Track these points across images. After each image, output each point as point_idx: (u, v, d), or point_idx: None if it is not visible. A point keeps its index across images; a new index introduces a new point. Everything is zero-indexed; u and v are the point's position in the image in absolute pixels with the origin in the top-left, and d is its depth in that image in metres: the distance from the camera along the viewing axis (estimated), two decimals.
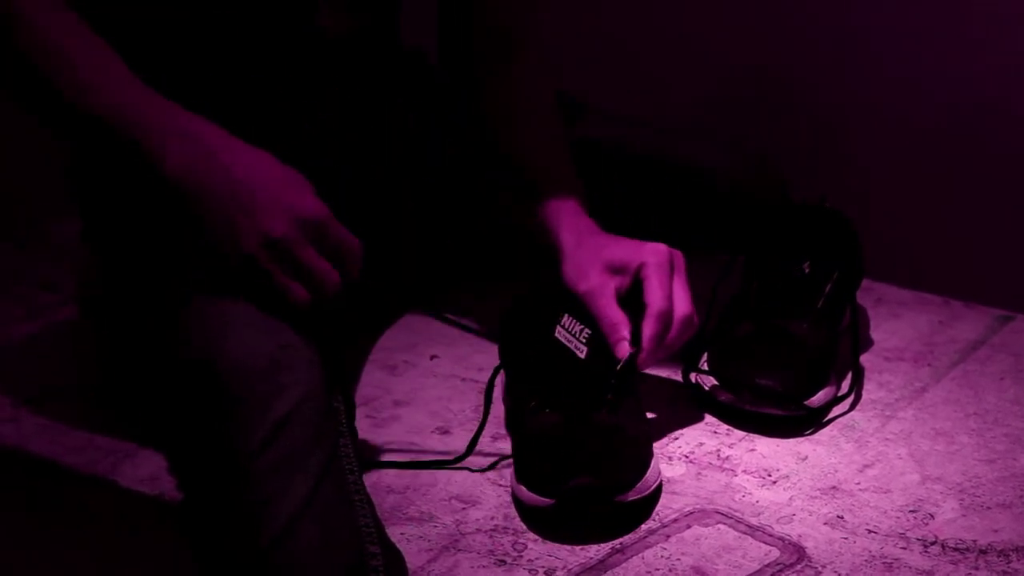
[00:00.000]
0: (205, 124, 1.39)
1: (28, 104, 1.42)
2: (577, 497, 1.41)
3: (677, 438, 1.58)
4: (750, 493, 1.49)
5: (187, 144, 1.36)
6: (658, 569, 1.38)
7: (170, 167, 1.36)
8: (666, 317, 1.49)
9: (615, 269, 1.52)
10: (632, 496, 1.42)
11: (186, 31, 1.49)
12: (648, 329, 1.48)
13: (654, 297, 1.49)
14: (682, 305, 1.51)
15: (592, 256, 1.53)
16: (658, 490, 1.47)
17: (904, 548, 1.42)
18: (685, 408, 1.63)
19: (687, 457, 1.54)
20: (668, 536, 1.43)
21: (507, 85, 1.67)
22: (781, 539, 1.42)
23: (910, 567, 1.39)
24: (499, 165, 1.66)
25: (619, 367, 1.48)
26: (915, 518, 1.46)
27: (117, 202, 1.52)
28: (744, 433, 1.58)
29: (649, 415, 1.58)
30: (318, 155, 1.60)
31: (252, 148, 1.39)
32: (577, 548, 1.40)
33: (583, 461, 1.42)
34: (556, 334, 1.52)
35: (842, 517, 1.46)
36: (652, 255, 1.51)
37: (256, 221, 1.35)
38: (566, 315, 1.53)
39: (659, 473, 1.48)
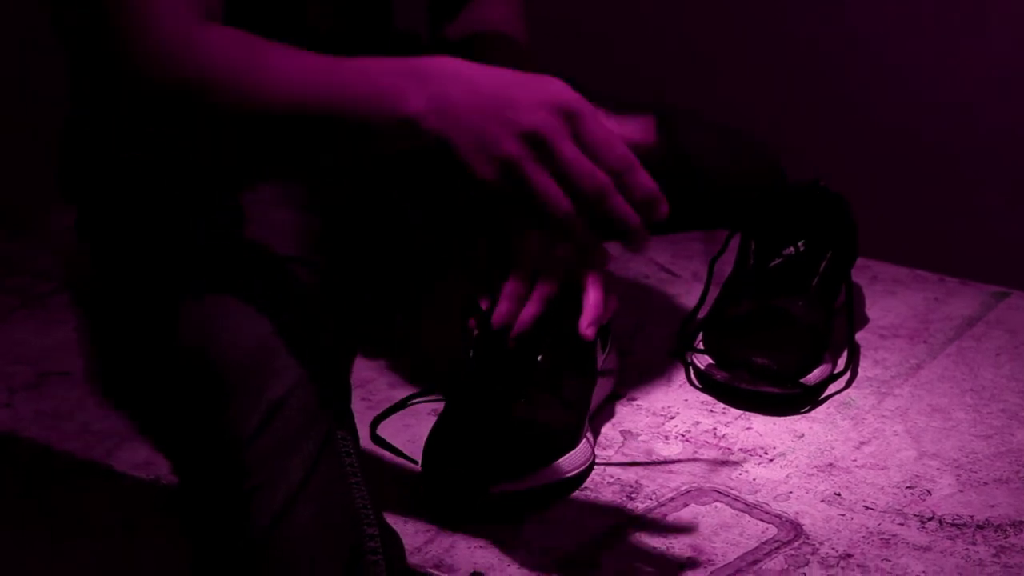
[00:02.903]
0: (428, 58, 1.28)
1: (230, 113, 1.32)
2: (447, 483, 1.41)
3: (673, 417, 1.58)
4: (747, 471, 1.49)
5: (423, 82, 1.25)
6: (655, 547, 1.38)
7: (413, 108, 1.24)
8: (519, 294, 1.43)
9: None
10: (507, 488, 1.40)
11: None
12: (499, 306, 1.43)
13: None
14: (543, 283, 1.43)
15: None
16: (562, 486, 1.44)
17: (901, 524, 1.42)
18: (681, 387, 1.63)
19: (683, 436, 1.54)
20: (665, 515, 1.43)
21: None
22: (778, 516, 1.43)
23: (907, 543, 1.39)
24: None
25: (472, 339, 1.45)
26: (912, 494, 1.46)
27: (110, 191, 1.52)
28: (740, 411, 1.58)
29: (642, 395, 1.59)
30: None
31: (488, 66, 1.27)
32: (574, 528, 1.40)
33: (459, 449, 1.41)
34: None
35: (839, 494, 1.46)
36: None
37: (505, 119, 1.22)
38: None
39: (573, 469, 1.45)
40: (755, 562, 1.37)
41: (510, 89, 1.24)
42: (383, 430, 1.52)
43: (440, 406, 1.49)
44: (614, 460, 1.50)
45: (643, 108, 1.82)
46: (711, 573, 1.35)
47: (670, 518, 1.42)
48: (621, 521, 1.42)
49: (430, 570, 1.36)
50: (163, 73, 1.31)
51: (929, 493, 1.46)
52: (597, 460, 1.49)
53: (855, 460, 1.51)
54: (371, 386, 1.60)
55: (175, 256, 1.43)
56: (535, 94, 1.23)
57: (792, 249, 1.65)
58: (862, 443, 1.54)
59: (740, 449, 1.53)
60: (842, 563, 1.37)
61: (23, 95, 2.31)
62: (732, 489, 1.46)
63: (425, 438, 1.46)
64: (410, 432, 1.53)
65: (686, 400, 1.61)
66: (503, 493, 1.40)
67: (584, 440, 1.47)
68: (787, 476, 1.48)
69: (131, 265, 1.49)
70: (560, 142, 1.21)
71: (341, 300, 1.46)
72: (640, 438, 1.53)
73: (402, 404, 1.55)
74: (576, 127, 1.22)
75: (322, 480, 1.30)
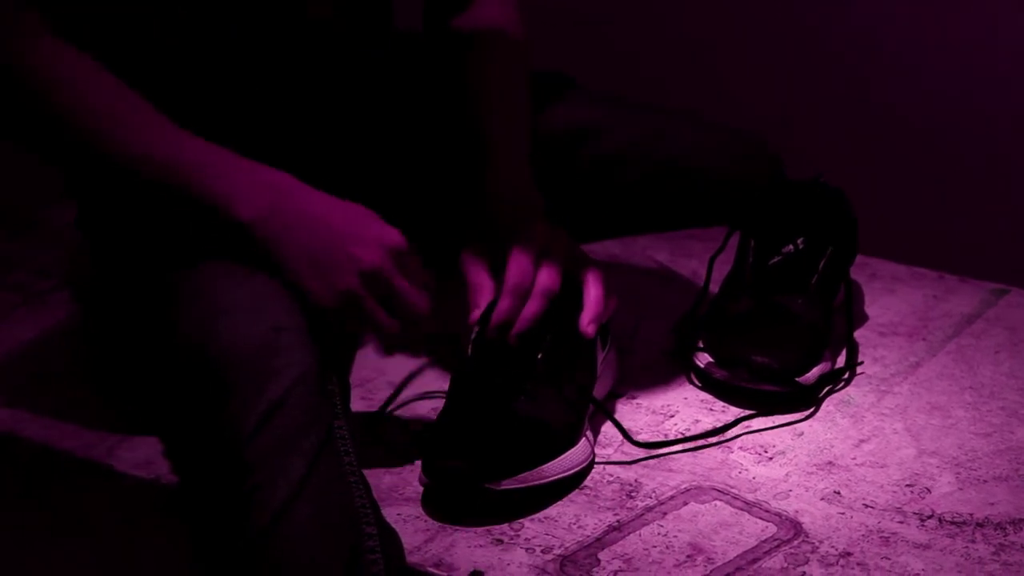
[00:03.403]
0: (272, 171, 1.40)
1: (75, 164, 1.44)
2: (446, 479, 1.41)
3: (673, 415, 1.58)
4: (746, 469, 1.49)
5: (260, 191, 1.38)
6: (655, 546, 1.38)
7: (246, 215, 1.37)
8: (520, 291, 1.45)
9: (493, 240, 1.50)
10: (506, 485, 1.40)
11: (182, 39, 1.48)
12: (500, 303, 1.45)
13: (511, 273, 1.46)
14: (544, 280, 1.46)
15: (480, 227, 1.52)
16: (561, 484, 1.44)
17: (901, 522, 1.42)
18: (681, 385, 1.63)
19: (683, 434, 1.54)
20: (665, 513, 1.43)
21: (476, 65, 1.67)
22: (778, 515, 1.43)
23: (907, 541, 1.39)
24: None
25: (472, 336, 1.47)
26: (912, 492, 1.46)
27: (111, 188, 1.52)
28: (740, 410, 1.58)
29: (641, 394, 1.59)
30: (342, 149, 1.60)
31: (318, 190, 1.40)
32: (574, 526, 1.40)
33: (459, 445, 1.41)
34: None
35: (839, 492, 1.46)
36: (524, 239, 1.47)
37: (348, 254, 1.36)
38: None
39: (572, 467, 1.45)
40: (755, 560, 1.37)
41: (348, 223, 1.37)
42: (384, 427, 1.52)
43: (440, 403, 1.48)
44: (614, 458, 1.50)
45: (642, 107, 1.82)
46: (711, 571, 1.36)
47: (670, 516, 1.42)
48: (621, 519, 1.42)
49: (430, 569, 1.36)
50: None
51: (929, 491, 1.46)
52: (597, 459, 1.49)
53: (855, 458, 1.51)
54: (370, 385, 1.60)
55: (175, 252, 1.43)
56: (371, 231, 1.37)
57: (791, 247, 1.65)
58: (861, 441, 1.54)
59: (740, 447, 1.53)
60: (842, 561, 1.37)
61: None
62: (732, 487, 1.46)
63: (425, 435, 1.46)
64: (410, 430, 1.53)
65: (686, 398, 1.61)
66: (501, 490, 1.40)
67: (584, 439, 1.47)
68: (787, 474, 1.48)
69: (132, 261, 1.49)
70: (394, 279, 1.37)
71: None
72: (640, 436, 1.53)
73: (397, 393, 1.54)
74: (401, 262, 1.38)
75: (321, 479, 1.31)
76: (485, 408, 1.43)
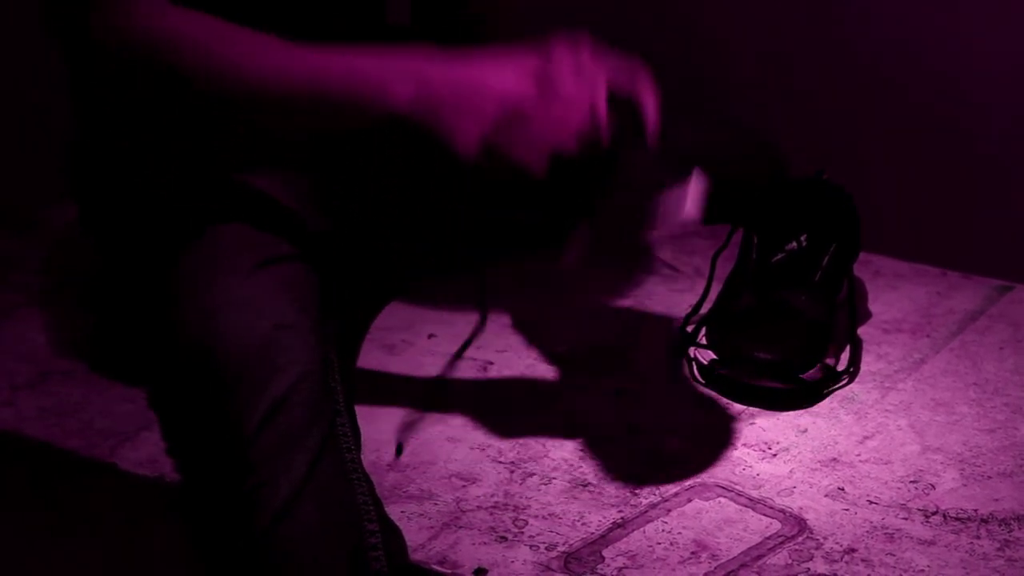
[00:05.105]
0: (406, 58, 1.40)
1: (220, 98, 1.41)
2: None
3: (677, 412, 1.57)
4: (750, 466, 1.49)
5: (407, 79, 1.38)
6: (659, 543, 1.38)
7: (402, 106, 1.37)
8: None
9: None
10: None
11: None
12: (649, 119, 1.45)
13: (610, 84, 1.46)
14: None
15: None
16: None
17: (905, 518, 1.42)
18: (684, 382, 1.63)
19: (687, 431, 1.54)
20: (669, 510, 1.43)
21: None
22: (782, 511, 1.42)
23: (912, 537, 1.39)
24: None
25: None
26: (916, 488, 1.46)
27: (115, 185, 1.52)
28: (743, 406, 1.58)
29: (645, 391, 1.59)
30: (336, 149, 1.60)
31: (455, 58, 1.41)
32: (578, 523, 1.40)
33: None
34: None
35: (843, 489, 1.46)
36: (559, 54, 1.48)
37: (477, 108, 1.36)
38: None
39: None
40: (759, 557, 1.37)
41: (481, 77, 1.37)
42: (393, 433, 1.51)
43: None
44: (618, 455, 1.50)
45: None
46: (715, 568, 1.36)
47: (674, 513, 1.42)
48: (625, 516, 1.42)
49: (434, 566, 1.36)
50: (134, 55, 1.37)
51: (933, 487, 1.46)
52: (601, 455, 1.49)
53: (859, 455, 1.51)
54: (377, 380, 1.60)
55: (178, 249, 1.43)
56: (499, 82, 1.37)
57: (794, 244, 1.65)
58: (865, 438, 1.54)
59: (743, 444, 1.53)
60: (846, 558, 1.37)
61: (25, 92, 2.31)
62: (736, 484, 1.46)
63: (430, 438, 1.46)
64: (417, 434, 1.53)
65: (690, 395, 1.61)
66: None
67: None
68: (791, 471, 1.48)
69: (134, 259, 1.49)
70: (531, 113, 1.35)
71: (342, 290, 1.46)
72: (644, 433, 1.53)
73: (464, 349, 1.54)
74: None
75: (323, 476, 1.31)
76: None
